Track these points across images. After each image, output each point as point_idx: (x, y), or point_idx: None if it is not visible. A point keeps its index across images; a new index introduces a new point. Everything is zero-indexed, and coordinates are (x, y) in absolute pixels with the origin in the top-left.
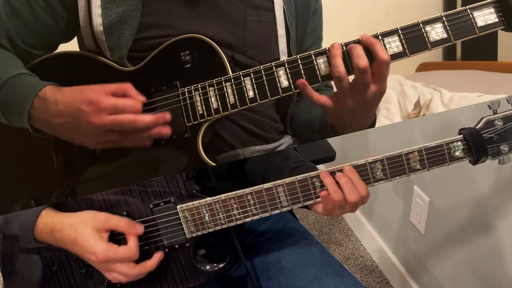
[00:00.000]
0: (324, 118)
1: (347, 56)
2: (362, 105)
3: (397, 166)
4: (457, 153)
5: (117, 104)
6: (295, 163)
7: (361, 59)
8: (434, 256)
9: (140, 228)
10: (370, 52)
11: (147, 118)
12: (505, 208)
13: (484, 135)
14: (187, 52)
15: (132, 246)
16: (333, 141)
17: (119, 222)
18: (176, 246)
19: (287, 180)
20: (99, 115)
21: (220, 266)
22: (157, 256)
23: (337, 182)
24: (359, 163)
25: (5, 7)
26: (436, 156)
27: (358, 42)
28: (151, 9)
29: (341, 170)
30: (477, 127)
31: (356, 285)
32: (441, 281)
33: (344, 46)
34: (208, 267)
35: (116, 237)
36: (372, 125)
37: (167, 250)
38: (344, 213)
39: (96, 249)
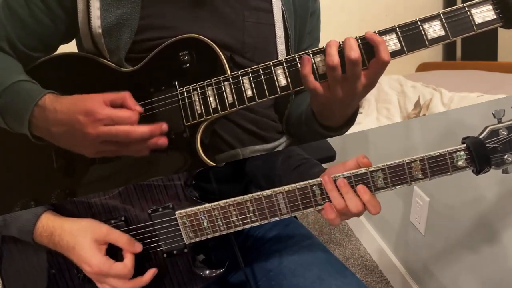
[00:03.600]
0: (309, 108)
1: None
2: (349, 96)
3: (398, 175)
4: (460, 163)
5: (113, 115)
6: (298, 161)
7: (353, 51)
8: (434, 256)
9: (138, 247)
10: (371, 49)
11: (142, 129)
12: (505, 206)
13: (487, 145)
14: (186, 52)
15: (128, 264)
16: (333, 141)
17: (119, 238)
18: (175, 252)
19: (286, 187)
20: (95, 126)
21: (218, 272)
22: (151, 272)
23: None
24: (360, 172)
25: (4, 10)
26: (438, 166)
27: (362, 38)
28: (150, 11)
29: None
30: (481, 136)
31: (359, 285)
32: (442, 281)
33: (341, 44)
34: (207, 273)
35: (114, 249)
36: (354, 116)
37: (165, 255)
38: (349, 218)
39: (92, 260)
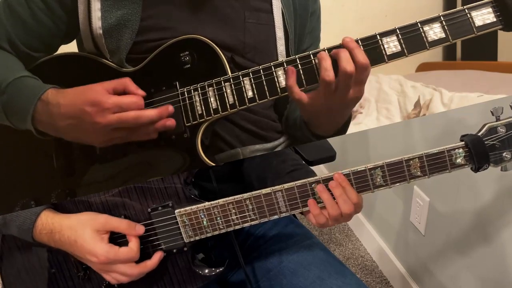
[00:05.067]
0: (302, 116)
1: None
2: (338, 106)
3: (397, 173)
4: (459, 160)
5: (121, 102)
6: (292, 166)
7: (349, 64)
8: (434, 256)
9: (140, 229)
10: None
11: (151, 112)
12: (506, 207)
13: (486, 142)
14: (187, 52)
15: (133, 247)
16: (333, 142)
17: (119, 224)
18: (174, 251)
19: (286, 185)
20: (104, 115)
21: (218, 270)
22: (158, 256)
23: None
24: (359, 169)
25: (5, 10)
26: (437, 163)
27: (339, 46)
28: (151, 12)
29: (331, 179)
30: (479, 134)
31: (359, 285)
32: (442, 281)
33: (327, 51)
34: (206, 271)
35: (116, 240)
36: (346, 125)
37: (165, 254)
38: (338, 223)
39: (96, 250)
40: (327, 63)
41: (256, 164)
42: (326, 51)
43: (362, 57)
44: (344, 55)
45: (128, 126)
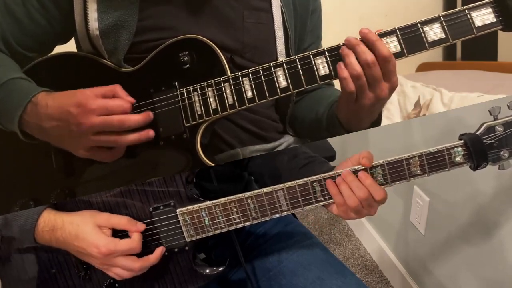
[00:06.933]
0: (331, 115)
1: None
2: (376, 102)
3: (397, 171)
4: (458, 159)
5: (106, 105)
6: (305, 160)
7: (367, 54)
8: (434, 256)
9: (141, 226)
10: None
11: (136, 117)
12: (505, 206)
13: (484, 141)
14: (186, 52)
15: (135, 238)
16: (333, 141)
17: (120, 220)
18: (176, 250)
19: (287, 184)
20: (89, 117)
21: (219, 269)
22: (159, 250)
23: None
24: (359, 168)
25: (0, 8)
26: (436, 162)
27: (339, 46)
28: (149, 13)
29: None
30: (478, 132)
31: (359, 285)
32: (442, 281)
33: (327, 52)
34: (207, 271)
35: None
36: (378, 121)
37: (166, 253)
38: (362, 215)
39: (98, 242)
40: (351, 59)
41: (267, 163)
42: (343, 46)
43: (384, 49)
44: (359, 49)
45: (112, 130)
